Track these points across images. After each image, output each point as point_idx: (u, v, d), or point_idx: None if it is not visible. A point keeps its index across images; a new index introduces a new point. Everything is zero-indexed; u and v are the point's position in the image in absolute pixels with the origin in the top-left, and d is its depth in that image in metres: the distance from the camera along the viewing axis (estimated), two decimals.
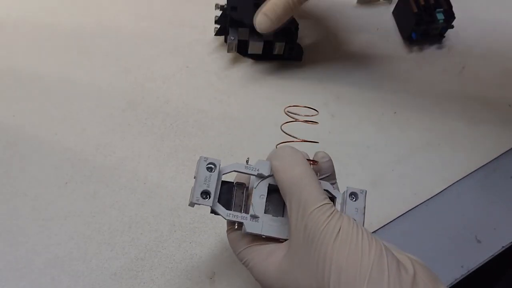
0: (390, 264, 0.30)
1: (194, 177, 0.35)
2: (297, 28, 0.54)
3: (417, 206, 0.50)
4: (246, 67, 0.57)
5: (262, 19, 0.47)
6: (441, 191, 0.51)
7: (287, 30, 0.53)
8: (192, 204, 0.35)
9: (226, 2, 0.54)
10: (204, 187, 0.35)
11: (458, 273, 0.46)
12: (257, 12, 0.48)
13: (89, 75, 0.55)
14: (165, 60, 0.57)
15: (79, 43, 0.58)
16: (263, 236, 0.35)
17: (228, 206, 0.36)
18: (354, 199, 0.37)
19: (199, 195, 0.35)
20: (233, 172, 0.37)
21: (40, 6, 0.60)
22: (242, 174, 0.37)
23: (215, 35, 0.56)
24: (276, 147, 0.37)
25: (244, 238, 0.36)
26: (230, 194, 0.36)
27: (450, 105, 0.57)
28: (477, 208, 0.50)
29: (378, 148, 0.53)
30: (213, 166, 0.36)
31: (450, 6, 0.58)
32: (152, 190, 0.48)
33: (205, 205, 0.35)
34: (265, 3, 0.48)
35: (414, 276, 0.30)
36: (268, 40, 0.54)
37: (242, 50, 0.55)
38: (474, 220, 0.50)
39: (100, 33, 0.59)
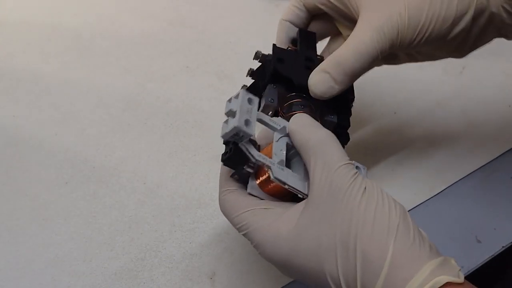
0: (413, 223, 0.32)
1: (226, 113, 0.32)
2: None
3: (417, 206, 0.50)
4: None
5: (321, 78, 0.36)
6: (441, 191, 0.51)
7: (343, 100, 0.39)
8: (233, 132, 0.31)
9: (271, 52, 0.40)
10: (247, 117, 0.31)
11: None
12: (314, 70, 0.37)
13: (89, 75, 0.55)
14: (165, 60, 0.57)
15: (79, 43, 0.58)
16: (286, 187, 0.33)
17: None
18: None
19: (243, 123, 0.31)
20: None
21: (40, 7, 0.60)
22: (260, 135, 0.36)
23: None
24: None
25: (244, 200, 0.34)
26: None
27: (450, 105, 0.57)
28: (477, 208, 0.50)
29: (378, 148, 0.53)
30: (251, 104, 0.32)
31: None
32: (152, 190, 0.48)
33: (247, 134, 0.31)
34: (326, 59, 0.37)
35: (428, 240, 0.32)
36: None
37: None
38: (474, 220, 0.50)
39: (100, 33, 0.59)
